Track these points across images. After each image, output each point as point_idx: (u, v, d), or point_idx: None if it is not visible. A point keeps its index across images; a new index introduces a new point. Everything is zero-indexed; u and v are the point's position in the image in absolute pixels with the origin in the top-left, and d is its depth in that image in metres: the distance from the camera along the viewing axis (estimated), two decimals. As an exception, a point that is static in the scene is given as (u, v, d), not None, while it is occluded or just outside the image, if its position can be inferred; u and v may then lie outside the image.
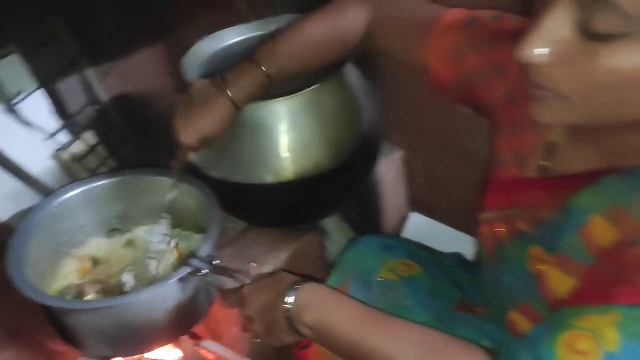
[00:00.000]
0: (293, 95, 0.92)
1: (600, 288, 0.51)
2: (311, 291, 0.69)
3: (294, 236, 1.08)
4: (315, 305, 0.67)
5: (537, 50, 0.49)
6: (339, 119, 0.98)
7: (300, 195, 0.98)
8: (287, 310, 0.68)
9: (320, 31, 0.82)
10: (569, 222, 0.57)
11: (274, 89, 0.85)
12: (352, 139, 0.99)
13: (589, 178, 0.57)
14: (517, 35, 0.51)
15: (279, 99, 0.92)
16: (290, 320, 0.68)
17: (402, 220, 1.31)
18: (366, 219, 1.24)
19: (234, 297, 0.76)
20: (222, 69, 0.85)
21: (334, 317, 0.66)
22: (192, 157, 0.88)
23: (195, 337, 1.10)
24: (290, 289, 0.69)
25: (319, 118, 0.95)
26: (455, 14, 0.74)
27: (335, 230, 1.18)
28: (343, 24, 0.82)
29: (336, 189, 1.01)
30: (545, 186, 0.63)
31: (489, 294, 0.77)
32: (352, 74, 1.02)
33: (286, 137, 0.94)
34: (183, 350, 1.09)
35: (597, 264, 0.54)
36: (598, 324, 0.49)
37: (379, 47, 0.83)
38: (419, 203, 1.31)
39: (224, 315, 1.04)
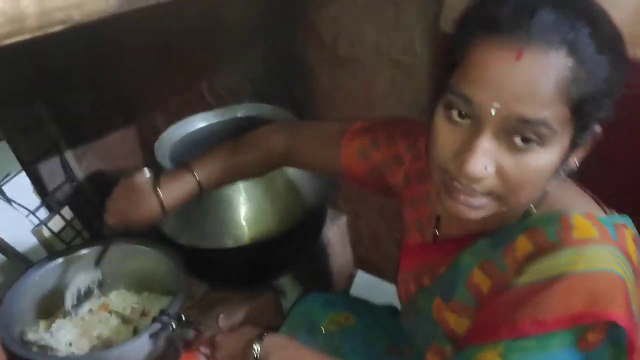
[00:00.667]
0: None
1: (491, 327, 0.66)
2: (275, 338, 0.82)
3: (252, 296, 1.22)
4: (279, 349, 0.80)
5: (486, 167, 0.61)
6: (287, 191, 1.15)
7: (256, 257, 1.13)
8: (256, 354, 0.80)
9: (248, 153, 0.96)
10: (458, 276, 0.73)
11: (201, 196, 0.95)
12: (299, 208, 1.15)
13: (470, 240, 0.73)
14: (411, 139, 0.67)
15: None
16: None
17: (350, 277, 1.46)
18: (316, 278, 1.38)
19: (207, 342, 0.88)
20: (181, 160, 0.99)
21: (295, 359, 0.79)
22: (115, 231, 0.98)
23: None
24: (257, 337, 0.82)
25: (270, 191, 1.12)
26: (357, 126, 0.91)
27: (288, 289, 1.32)
28: (266, 148, 0.96)
29: (286, 252, 1.17)
30: (439, 249, 0.79)
31: (410, 338, 0.93)
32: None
33: (244, 208, 1.11)
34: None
35: (481, 307, 0.70)
36: (490, 357, 0.63)
37: (297, 164, 0.99)
38: (364, 262, 1.46)
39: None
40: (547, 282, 0.62)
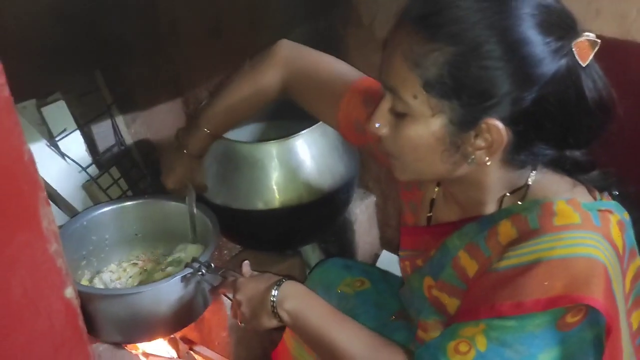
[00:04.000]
0: (282, 139, 1.17)
1: (472, 307, 0.71)
2: (293, 285, 0.87)
3: (279, 259, 1.29)
4: (296, 296, 0.85)
5: (377, 125, 0.72)
6: (319, 162, 1.21)
7: (284, 222, 1.20)
8: (273, 297, 0.85)
9: (245, 91, 1.04)
10: (445, 257, 0.78)
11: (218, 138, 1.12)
12: (328, 180, 1.22)
13: (456, 225, 0.79)
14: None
15: (272, 141, 1.17)
16: (274, 305, 0.85)
17: (374, 256, 1.52)
18: (341, 252, 1.44)
19: (230, 285, 0.94)
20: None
21: (309, 309, 0.84)
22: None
23: (189, 342, 1.28)
24: (276, 283, 0.87)
25: (303, 160, 1.19)
26: (357, 90, 0.92)
27: (314, 258, 1.38)
28: (262, 83, 1.02)
29: (313, 220, 1.23)
30: (431, 232, 0.85)
31: (408, 312, 0.96)
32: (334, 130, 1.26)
33: (276, 173, 1.18)
34: (178, 352, 1.27)
35: (469, 289, 0.75)
36: (472, 333, 0.69)
37: (295, 102, 1.03)
38: (390, 243, 1.51)
39: (216, 323, 1.23)
40: (526, 267, 0.67)
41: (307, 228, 1.26)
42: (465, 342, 0.69)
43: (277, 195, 1.18)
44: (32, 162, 0.47)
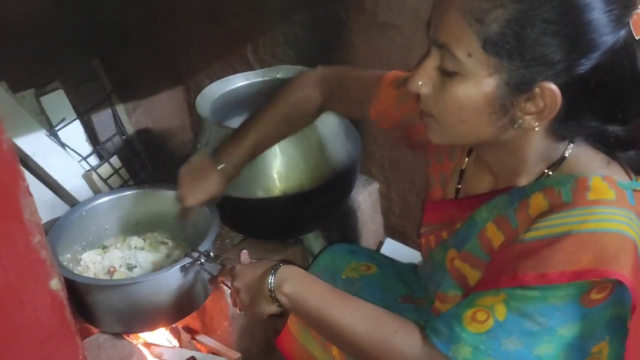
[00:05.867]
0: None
1: (494, 277, 0.69)
2: (290, 269, 0.85)
3: (281, 248, 1.27)
4: (293, 279, 0.83)
5: (420, 82, 0.69)
6: (319, 150, 1.19)
7: (285, 210, 1.19)
8: (270, 281, 0.83)
9: (285, 109, 1.02)
10: (472, 229, 0.76)
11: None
12: (330, 167, 1.20)
13: (486, 197, 0.77)
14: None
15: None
16: (272, 290, 0.83)
17: (378, 244, 1.50)
18: (345, 240, 1.42)
19: (228, 273, 0.92)
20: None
21: (308, 291, 0.81)
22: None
23: (192, 332, 1.28)
24: (273, 267, 0.85)
25: (303, 147, 1.17)
26: (390, 76, 0.93)
27: (316, 247, 1.37)
28: (302, 97, 1.01)
29: (315, 208, 1.21)
30: (459, 205, 0.82)
31: (424, 288, 0.95)
32: (336, 116, 1.24)
33: (276, 160, 1.16)
34: (180, 341, 1.26)
35: (492, 260, 0.73)
36: (491, 302, 0.67)
37: (332, 110, 1.04)
38: (394, 230, 1.49)
39: (218, 312, 1.22)
40: (554, 239, 0.65)
41: (309, 216, 1.24)
42: (483, 310, 0.67)
43: (277, 183, 1.17)
44: (11, 151, 0.45)
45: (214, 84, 1.30)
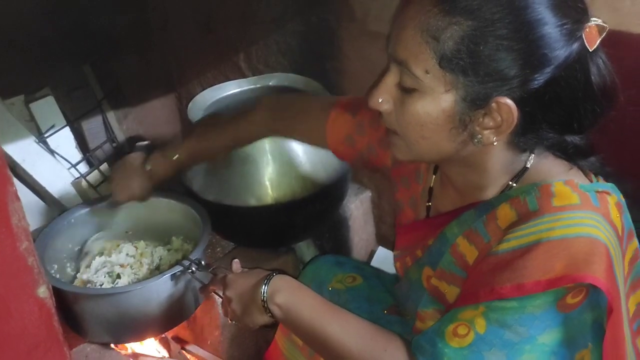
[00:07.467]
0: (275, 134, 1.14)
1: (472, 291, 0.70)
2: (283, 279, 0.84)
3: (273, 257, 1.26)
4: (286, 290, 0.82)
5: (380, 99, 0.70)
6: (312, 157, 1.19)
7: (277, 218, 1.18)
8: (263, 291, 0.82)
9: (230, 132, 1.04)
10: (444, 245, 0.77)
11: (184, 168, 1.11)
12: (322, 176, 1.19)
13: (456, 213, 0.77)
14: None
15: (264, 137, 1.14)
16: (265, 300, 0.82)
17: (370, 253, 1.49)
18: (336, 249, 1.41)
19: (220, 282, 0.91)
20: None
21: (301, 303, 0.81)
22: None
23: (181, 342, 1.26)
24: (265, 277, 0.84)
25: (295, 155, 1.17)
26: (340, 105, 0.92)
27: (308, 255, 1.36)
28: (249, 129, 1.03)
29: (307, 216, 1.21)
30: (431, 224, 0.83)
31: (404, 307, 0.94)
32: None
33: (268, 168, 1.15)
34: (170, 352, 1.24)
35: (469, 275, 0.73)
36: (471, 316, 0.67)
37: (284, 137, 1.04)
38: (385, 239, 1.49)
39: (208, 321, 1.21)
40: (526, 249, 0.65)
41: (300, 224, 1.23)
42: (464, 325, 0.68)
43: (269, 191, 1.16)
44: (-1, 155, 0.45)
45: (206, 91, 1.30)
